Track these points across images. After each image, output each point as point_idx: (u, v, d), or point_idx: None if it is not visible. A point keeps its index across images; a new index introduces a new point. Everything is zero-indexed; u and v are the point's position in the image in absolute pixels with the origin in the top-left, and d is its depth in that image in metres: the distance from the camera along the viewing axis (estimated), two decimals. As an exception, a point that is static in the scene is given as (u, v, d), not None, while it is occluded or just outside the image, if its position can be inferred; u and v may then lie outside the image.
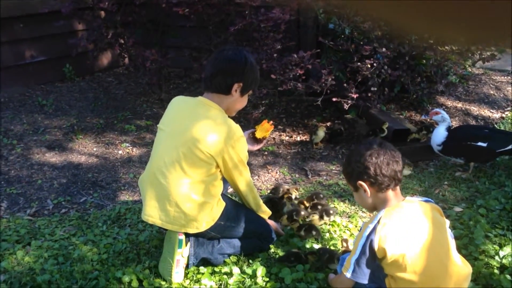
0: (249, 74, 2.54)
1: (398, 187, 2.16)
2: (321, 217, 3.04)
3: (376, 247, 2.02)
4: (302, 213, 3.03)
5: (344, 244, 2.75)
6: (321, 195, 3.30)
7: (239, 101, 2.61)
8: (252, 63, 2.57)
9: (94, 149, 4.40)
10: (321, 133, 4.37)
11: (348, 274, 2.11)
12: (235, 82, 2.51)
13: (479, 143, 3.62)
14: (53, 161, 4.14)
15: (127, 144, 4.48)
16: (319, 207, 3.12)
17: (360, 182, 2.12)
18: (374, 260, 2.07)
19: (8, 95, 5.38)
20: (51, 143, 4.46)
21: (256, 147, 3.05)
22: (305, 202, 3.25)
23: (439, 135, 3.72)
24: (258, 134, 2.99)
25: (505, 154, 3.69)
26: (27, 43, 5.56)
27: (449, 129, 3.73)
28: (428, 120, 4.15)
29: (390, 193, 2.12)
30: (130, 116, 5.10)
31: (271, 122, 3.02)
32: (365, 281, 2.11)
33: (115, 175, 3.94)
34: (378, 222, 2.05)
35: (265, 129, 2.99)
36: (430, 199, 2.25)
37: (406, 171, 3.75)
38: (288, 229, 3.00)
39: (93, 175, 3.92)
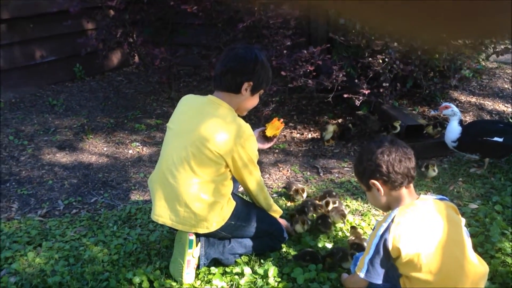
0: (259, 73, 2.49)
1: (411, 185, 2.11)
2: (342, 216, 3.01)
3: (390, 247, 1.98)
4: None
5: (353, 234, 2.73)
6: (334, 193, 3.27)
7: (249, 100, 2.56)
8: (263, 62, 2.52)
9: (105, 148, 4.39)
10: (330, 129, 4.31)
11: (362, 274, 2.07)
12: (245, 81, 2.47)
13: (495, 138, 3.54)
14: (63, 161, 4.13)
15: (137, 144, 4.47)
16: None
17: (373, 181, 2.08)
18: (388, 260, 2.03)
19: (19, 95, 5.39)
20: (61, 143, 4.46)
21: (266, 146, 3.01)
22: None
23: (454, 131, 3.64)
24: (269, 132, 2.94)
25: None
26: (37, 43, 5.57)
27: (462, 124, 3.65)
28: (438, 114, 4.07)
29: (403, 191, 2.08)
30: (140, 115, 5.09)
31: (282, 120, 2.97)
32: (379, 281, 2.07)
33: (126, 174, 3.93)
34: (392, 220, 2.00)
35: (275, 127, 2.94)
36: (445, 197, 2.21)
37: (432, 172, 3.59)
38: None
39: (104, 175, 3.91)
